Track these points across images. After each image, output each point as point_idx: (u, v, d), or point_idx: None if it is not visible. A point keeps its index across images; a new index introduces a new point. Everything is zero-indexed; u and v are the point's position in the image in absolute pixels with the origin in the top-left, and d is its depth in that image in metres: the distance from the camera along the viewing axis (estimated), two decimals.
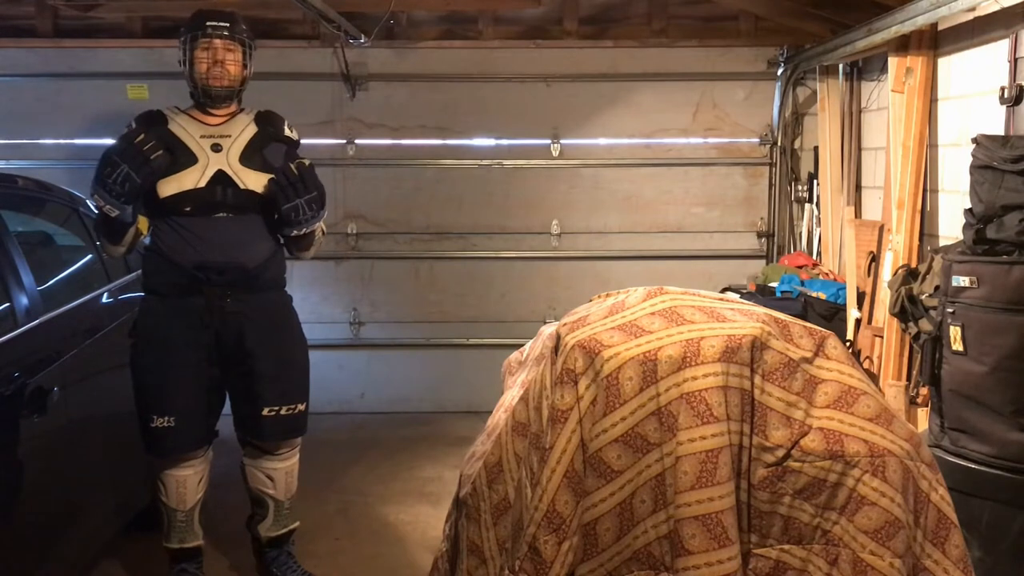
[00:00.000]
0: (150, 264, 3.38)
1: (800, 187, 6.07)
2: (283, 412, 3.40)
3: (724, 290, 5.42)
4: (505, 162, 6.11)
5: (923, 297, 3.79)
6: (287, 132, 3.49)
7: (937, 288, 3.57)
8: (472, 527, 2.67)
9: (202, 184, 3.26)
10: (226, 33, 3.29)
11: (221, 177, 3.28)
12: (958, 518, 2.47)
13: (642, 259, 6.10)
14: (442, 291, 6.19)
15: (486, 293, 6.19)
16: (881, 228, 4.90)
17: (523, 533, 2.43)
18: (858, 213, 5.46)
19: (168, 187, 3.24)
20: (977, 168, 3.34)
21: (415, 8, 5.77)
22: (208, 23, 3.29)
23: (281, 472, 3.52)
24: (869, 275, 4.93)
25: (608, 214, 6.14)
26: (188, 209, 3.26)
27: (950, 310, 3.27)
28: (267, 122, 3.46)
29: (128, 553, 3.87)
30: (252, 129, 3.39)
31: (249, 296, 3.34)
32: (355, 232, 6.11)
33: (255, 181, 3.31)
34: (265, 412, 3.37)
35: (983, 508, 3.12)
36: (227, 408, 3.49)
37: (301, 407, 3.47)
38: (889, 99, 4.68)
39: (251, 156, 3.34)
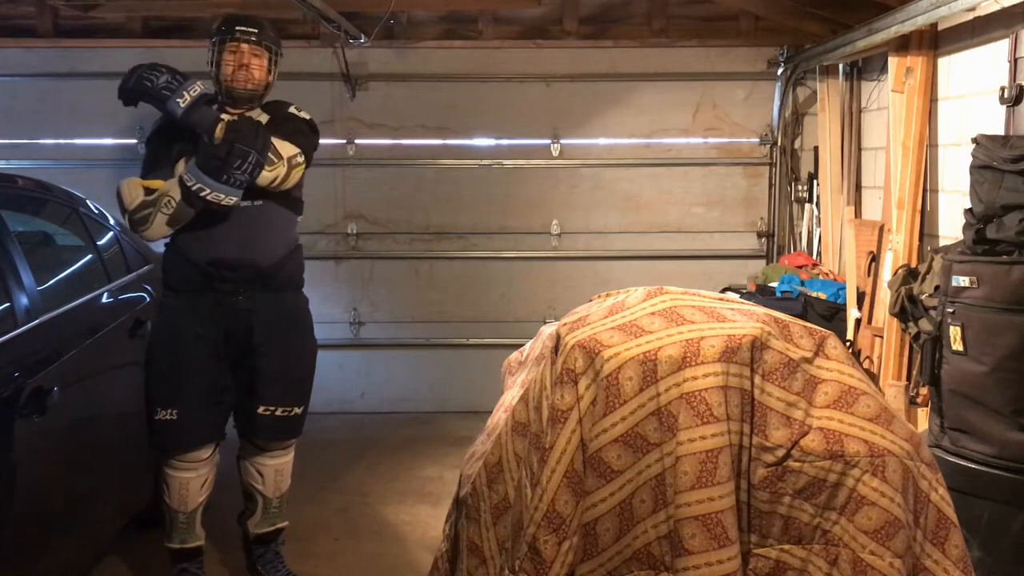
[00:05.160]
0: (169, 261, 3.42)
1: (800, 187, 6.07)
2: (278, 413, 3.41)
3: (724, 290, 5.42)
4: (505, 162, 6.11)
5: (923, 297, 3.79)
6: (293, 111, 3.50)
7: (937, 288, 3.57)
8: (472, 527, 2.67)
9: None
10: (253, 39, 3.34)
11: None
12: (958, 518, 2.47)
13: (642, 259, 6.10)
14: (442, 291, 6.19)
15: (486, 293, 6.19)
16: (881, 228, 4.90)
17: (523, 533, 2.43)
18: (858, 213, 5.46)
19: None
20: (977, 168, 3.34)
21: (415, 8, 5.77)
22: (238, 27, 3.33)
23: (270, 469, 3.52)
24: (869, 275, 4.92)
25: (608, 214, 6.14)
26: None
27: (950, 310, 3.27)
28: (276, 108, 3.48)
29: (129, 552, 3.87)
30: (264, 118, 3.41)
31: (262, 294, 3.36)
32: (355, 232, 6.11)
33: None
34: (260, 410, 3.38)
35: (983, 508, 3.12)
36: None
37: (298, 411, 3.47)
38: (889, 99, 4.69)
39: None
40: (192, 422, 3.32)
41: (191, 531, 3.45)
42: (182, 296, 3.36)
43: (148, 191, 3.22)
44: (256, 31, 3.35)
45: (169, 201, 3.18)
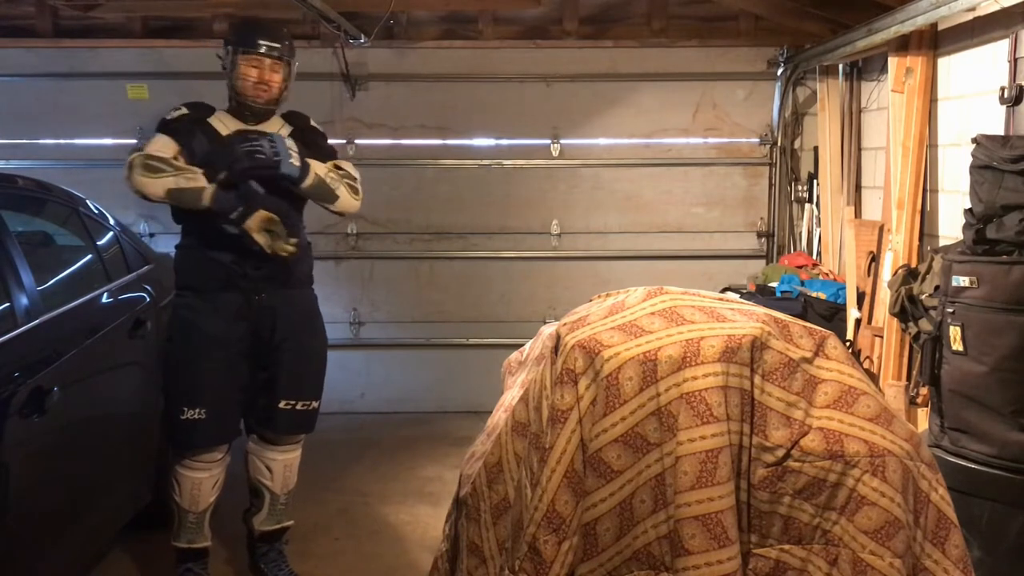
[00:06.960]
0: (186, 261, 3.42)
1: (800, 187, 6.07)
2: (299, 407, 3.47)
3: (724, 290, 5.41)
4: (505, 162, 6.11)
5: (923, 297, 3.79)
6: (314, 124, 3.57)
7: (937, 288, 3.57)
8: (472, 527, 2.67)
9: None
10: (276, 54, 3.32)
11: None
12: (958, 518, 2.47)
13: (642, 259, 6.10)
14: (442, 291, 6.19)
15: (486, 293, 6.19)
16: (881, 228, 4.90)
17: (523, 533, 2.43)
18: (858, 213, 5.46)
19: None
20: (977, 168, 3.34)
21: (415, 8, 5.77)
22: (262, 41, 3.30)
23: (280, 464, 3.54)
24: (869, 275, 4.93)
25: (608, 214, 6.14)
26: None
27: (950, 310, 3.27)
28: (295, 120, 3.52)
29: (130, 552, 3.87)
30: (287, 128, 3.46)
31: (282, 291, 3.41)
32: (355, 232, 6.11)
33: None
34: (282, 404, 3.44)
35: (983, 508, 3.12)
36: None
37: (315, 404, 3.54)
38: (889, 99, 4.69)
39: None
40: (217, 421, 3.35)
41: (199, 531, 3.46)
42: (202, 296, 3.36)
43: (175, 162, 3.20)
44: (279, 46, 3.32)
45: (195, 177, 3.16)
